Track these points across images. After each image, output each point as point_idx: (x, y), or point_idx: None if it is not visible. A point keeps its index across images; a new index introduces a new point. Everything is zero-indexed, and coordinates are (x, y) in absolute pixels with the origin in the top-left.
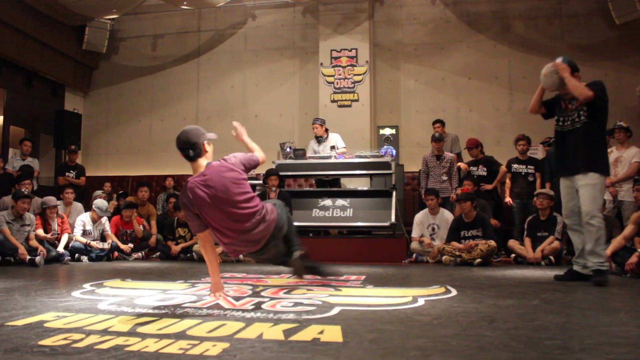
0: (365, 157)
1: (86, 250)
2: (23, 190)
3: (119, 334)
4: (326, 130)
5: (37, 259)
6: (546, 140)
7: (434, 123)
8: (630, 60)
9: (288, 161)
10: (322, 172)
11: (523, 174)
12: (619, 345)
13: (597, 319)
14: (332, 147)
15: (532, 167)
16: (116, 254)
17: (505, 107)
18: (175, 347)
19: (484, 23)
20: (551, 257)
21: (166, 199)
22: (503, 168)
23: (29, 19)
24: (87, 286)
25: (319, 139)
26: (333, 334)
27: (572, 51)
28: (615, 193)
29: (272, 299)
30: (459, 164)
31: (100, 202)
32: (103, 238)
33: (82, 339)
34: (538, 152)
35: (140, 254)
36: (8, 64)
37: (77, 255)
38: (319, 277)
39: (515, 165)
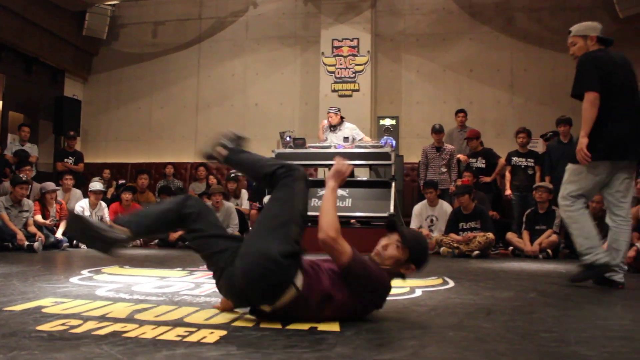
0: (365, 147)
1: None
2: (22, 176)
3: (116, 320)
4: (342, 118)
5: (36, 244)
6: (546, 133)
7: (457, 112)
8: (633, 54)
9: (288, 150)
10: (321, 161)
11: (523, 167)
12: (614, 338)
13: (593, 313)
14: (346, 139)
15: (532, 160)
16: None
17: (506, 99)
18: (172, 334)
19: (487, 15)
20: (549, 251)
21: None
22: (502, 161)
23: (28, 4)
24: (85, 272)
25: (333, 128)
26: (330, 323)
27: None
28: None
29: None
30: (459, 155)
31: (93, 184)
32: None
33: (79, 325)
34: (538, 146)
35: (138, 241)
36: (8, 49)
37: (75, 241)
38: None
39: (515, 158)
